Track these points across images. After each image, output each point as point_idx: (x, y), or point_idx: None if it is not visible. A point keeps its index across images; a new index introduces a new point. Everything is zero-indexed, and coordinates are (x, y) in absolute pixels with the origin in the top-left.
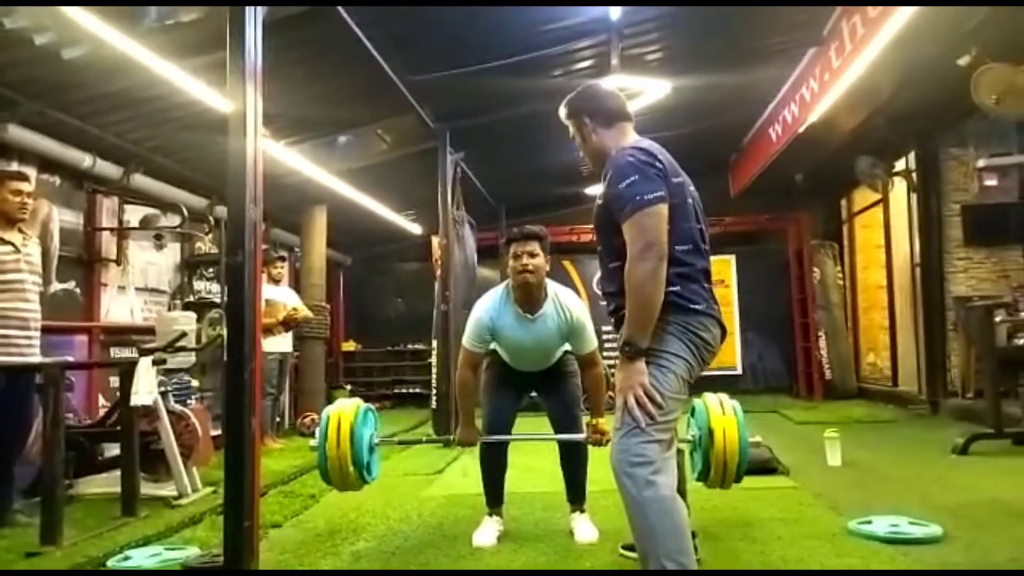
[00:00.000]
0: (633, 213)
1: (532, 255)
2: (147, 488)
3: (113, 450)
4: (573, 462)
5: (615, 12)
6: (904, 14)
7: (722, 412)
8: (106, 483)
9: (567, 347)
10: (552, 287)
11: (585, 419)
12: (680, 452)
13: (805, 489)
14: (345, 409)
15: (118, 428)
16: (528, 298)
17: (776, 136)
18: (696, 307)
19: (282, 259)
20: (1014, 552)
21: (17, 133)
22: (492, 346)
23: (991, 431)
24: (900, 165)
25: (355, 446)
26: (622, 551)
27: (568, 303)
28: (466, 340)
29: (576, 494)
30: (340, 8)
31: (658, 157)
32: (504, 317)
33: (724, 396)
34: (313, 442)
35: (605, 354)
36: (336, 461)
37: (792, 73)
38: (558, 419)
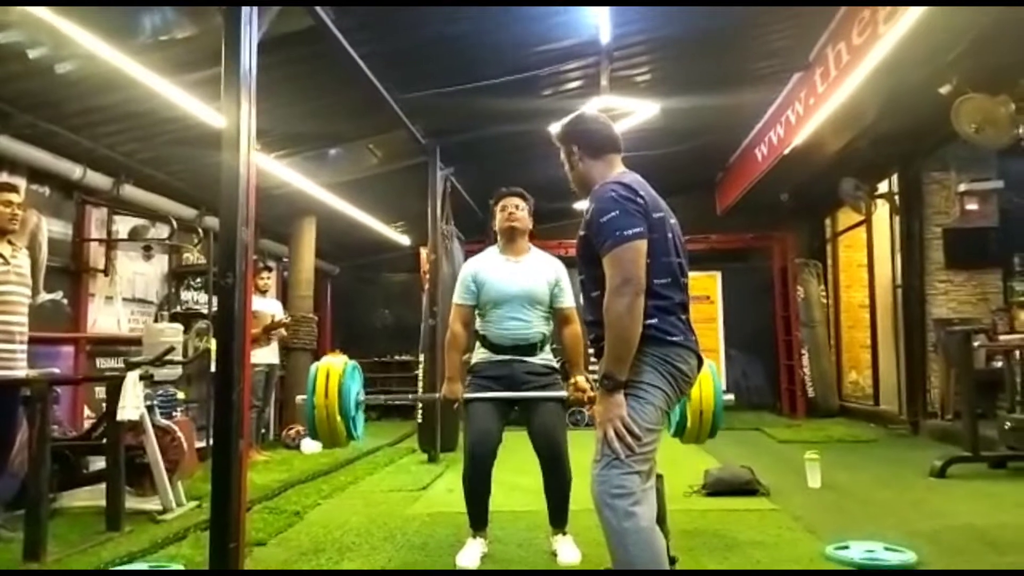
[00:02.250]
0: (613, 248)
1: (517, 207)
2: (132, 502)
3: (98, 463)
4: (556, 484)
5: (605, 35)
6: (889, 42)
7: None
8: (90, 496)
9: (549, 356)
10: (537, 249)
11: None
12: (660, 478)
13: (785, 512)
14: (333, 363)
15: (104, 441)
16: (513, 246)
17: (762, 156)
18: (673, 339)
19: (268, 269)
20: None
21: (7, 144)
22: (476, 356)
23: (968, 454)
24: (883, 187)
25: (343, 398)
26: None
27: (553, 260)
28: (455, 296)
29: (559, 516)
30: (334, 27)
31: (639, 193)
32: (489, 263)
33: None
34: (301, 397)
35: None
36: (323, 411)
37: (778, 96)
38: (539, 440)
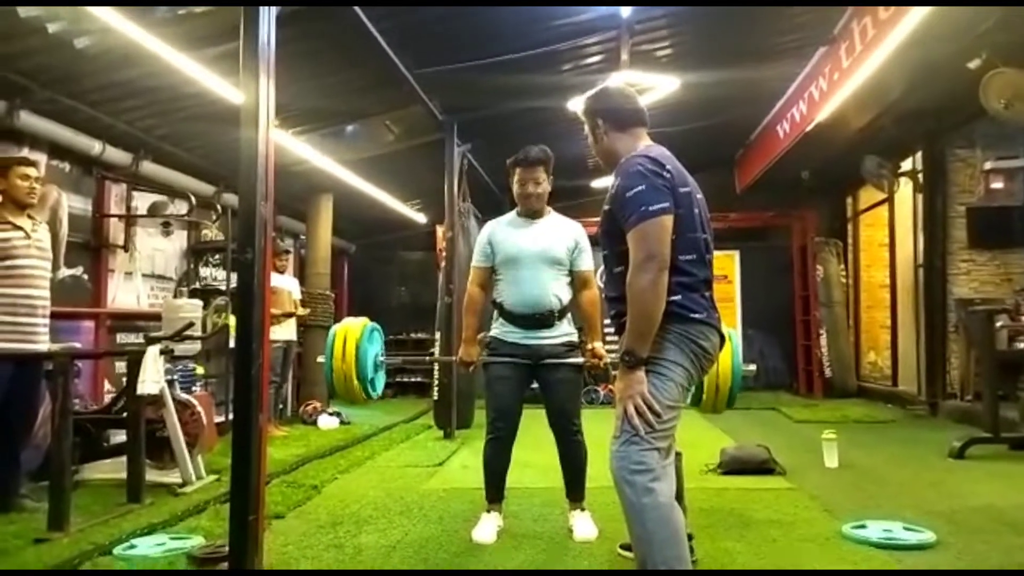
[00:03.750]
0: (638, 223)
1: (536, 181)
2: (152, 475)
3: (119, 436)
4: (572, 459)
5: (626, 9)
6: (916, 16)
7: None
8: (111, 469)
9: (570, 329)
10: (556, 214)
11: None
12: (678, 456)
13: (801, 491)
14: (352, 326)
15: (124, 415)
16: (531, 211)
17: (783, 133)
18: (696, 316)
19: (287, 252)
20: (1004, 561)
21: (28, 120)
22: (492, 331)
23: (988, 435)
24: (907, 165)
25: (359, 361)
26: (620, 551)
27: (573, 223)
28: (473, 261)
29: (575, 491)
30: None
31: (666, 167)
32: (504, 225)
33: None
34: (321, 358)
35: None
36: (341, 374)
37: (801, 71)
38: (556, 416)
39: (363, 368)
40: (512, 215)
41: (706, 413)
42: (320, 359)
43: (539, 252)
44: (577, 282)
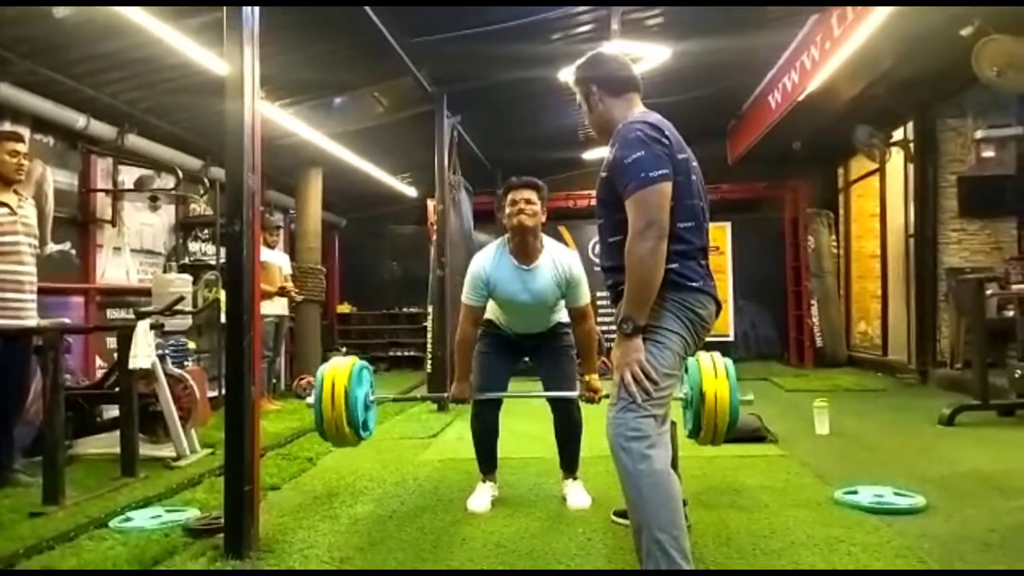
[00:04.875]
0: (637, 190)
1: (529, 202)
2: (146, 449)
3: (112, 411)
4: (568, 431)
5: None
6: None
7: (715, 375)
8: (105, 443)
9: (562, 316)
10: (548, 243)
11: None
12: (674, 424)
13: (793, 458)
14: (339, 369)
15: (116, 390)
16: (524, 248)
17: (775, 103)
18: (693, 284)
19: (278, 228)
20: (992, 524)
21: (10, 92)
22: (487, 314)
23: (977, 402)
24: (898, 135)
25: (349, 407)
26: (614, 518)
27: (564, 259)
28: (464, 296)
29: (569, 462)
30: None
31: (665, 132)
32: (500, 269)
33: (717, 355)
34: (310, 399)
35: (599, 318)
36: (332, 421)
37: (793, 40)
38: (550, 386)
39: (353, 415)
40: (504, 253)
41: (704, 447)
42: (309, 400)
43: (534, 300)
44: (574, 317)
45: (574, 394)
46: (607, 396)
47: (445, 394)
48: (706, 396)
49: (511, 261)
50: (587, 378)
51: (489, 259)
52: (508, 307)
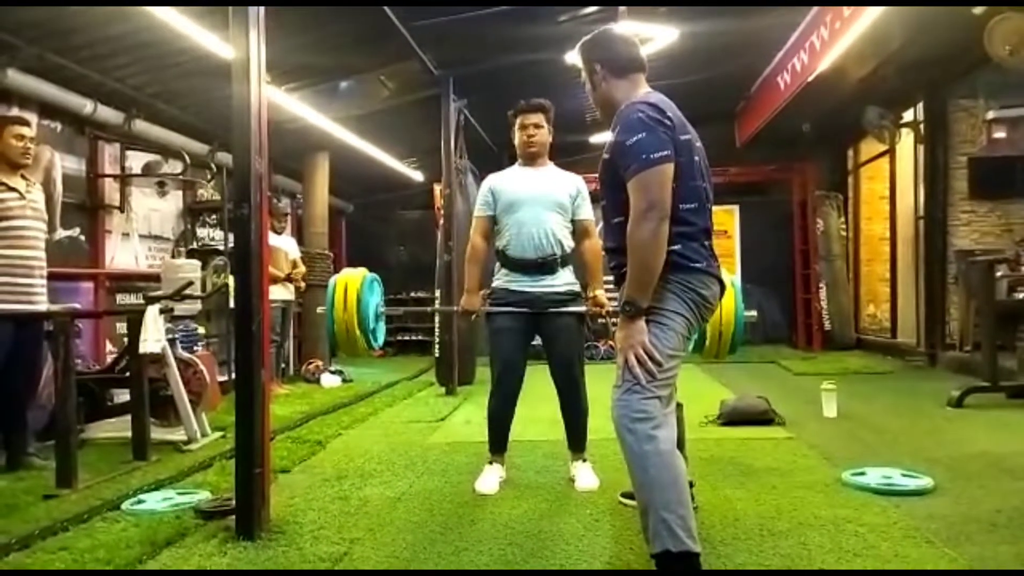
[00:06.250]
0: (638, 172)
1: (537, 126)
2: (157, 433)
3: (122, 395)
4: (573, 409)
5: None
6: None
7: None
8: (116, 427)
9: (570, 276)
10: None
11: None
12: (680, 406)
13: (801, 440)
14: (351, 276)
15: (127, 374)
16: (533, 162)
17: (784, 85)
18: (696, 265)
19: (285, 214)
20: (999, 504)
21: (16, 78)
22: (496, 280)
23: (987, 384)
24: (908, 116)
25: (361, 311)
26: (621, 499)
27: (572, 174)
28: (475, 210)
29: (576, 441)
30: None
31: (667, 113)
32: (506, 176)
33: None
34: (320, 308)
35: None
36: (343, 325)
37: (802, 21)
38: (558, 365)
39: (365, 318)
40: (513, 167)
41: (708, 359)
42: (320, 309)
43: (540, 195)
44: (578, 232)
45: (581, 309)
46: (612, 314)
47: (455, 307)
48: None
49: (520, 169)
50: (593, 294)
51: (498, 173)
52: (516, 210)
